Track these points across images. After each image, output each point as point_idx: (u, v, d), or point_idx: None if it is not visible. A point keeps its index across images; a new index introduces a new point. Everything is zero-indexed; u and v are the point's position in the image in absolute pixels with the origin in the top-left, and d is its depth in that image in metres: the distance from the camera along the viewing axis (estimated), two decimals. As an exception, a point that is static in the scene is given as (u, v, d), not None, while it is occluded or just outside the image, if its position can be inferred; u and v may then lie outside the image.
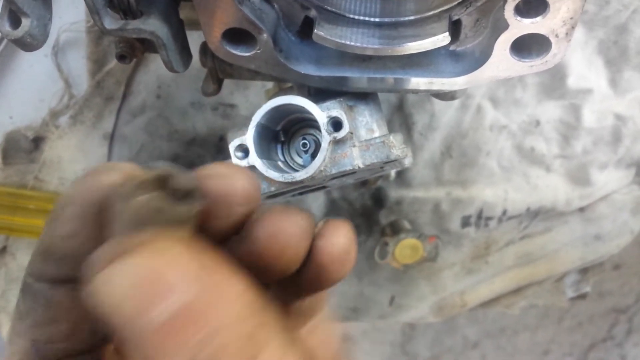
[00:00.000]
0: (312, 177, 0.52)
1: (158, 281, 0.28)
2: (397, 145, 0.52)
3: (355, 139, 0.53)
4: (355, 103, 0.54)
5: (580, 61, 0.90)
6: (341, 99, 0.53)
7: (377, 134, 0.54)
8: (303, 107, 0.51)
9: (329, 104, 0.53)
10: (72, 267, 0.35)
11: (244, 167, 0.48)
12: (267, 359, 0.29)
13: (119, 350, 0.37)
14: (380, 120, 0.55)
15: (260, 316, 0.30)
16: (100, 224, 0.34)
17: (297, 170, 0.53)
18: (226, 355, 0.28)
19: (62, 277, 0.36)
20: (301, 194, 0.62)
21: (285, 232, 0.36)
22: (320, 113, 0.51)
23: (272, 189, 0.53)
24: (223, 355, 0.28)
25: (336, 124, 0.51)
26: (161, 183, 0.32)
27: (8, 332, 0.38)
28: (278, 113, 0.54)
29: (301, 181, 0.52)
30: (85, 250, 0.33)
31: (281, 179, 0.52)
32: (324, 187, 0.62)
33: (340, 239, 0.41)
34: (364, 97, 0.55)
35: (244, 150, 0.53)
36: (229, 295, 0.30)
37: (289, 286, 0.39)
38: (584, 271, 1.16)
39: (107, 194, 0.34)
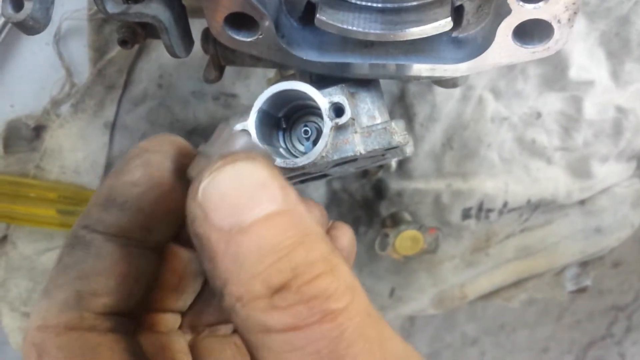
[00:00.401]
0: (313, 163, 0.52)
1: (263, 187, 0.33)
2: (398, 132, 0.52)
3: (357, 125, 0.53)
4: (357, 90, 0.54)
5: (582, 53, 0.90)
6: (343, 85, 0.53)
7: (378, 121, 0.54)
8: (305, 93, 0.51)
9: (330, 90, 0.53)
10: (131, 217, 0.37)
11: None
12: (343, 272, 0.33)
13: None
14: (382, 107, 0.55)
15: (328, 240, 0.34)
16: (164, 175, 0.38)
17: (298, 157, 0.53)
18: (315, 259, 0.32)
19: (120, 226, 0.37)
20: (302, 182, 0.63)
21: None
22: (322, 99, 0.51)
23: None
24: (312, 256, 0.32)
25: (338, 110, 0.51)
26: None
27: (45, 286, 0.37)
28: (280, 99, 0.54)
29: (302, 167, 0.52)
30: (149, 199, 0.38)
31: (283, 164, 0.52)
32: (325, 176, 0.63)
33: (345, 242, 0.46)
34: (366, 83, 0.55)
35: None
36: (314, 214, 0.36)
37: None
38: (584, 264, 1.16)
39: (180, 148, 0.39)
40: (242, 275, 0.32)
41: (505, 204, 1.02)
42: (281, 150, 0.57)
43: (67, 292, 0.36)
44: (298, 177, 0.58)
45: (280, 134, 0.58)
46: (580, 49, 0.89)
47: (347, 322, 0.32)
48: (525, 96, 0.93)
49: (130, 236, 0.38)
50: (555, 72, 0.91)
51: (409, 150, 0.60)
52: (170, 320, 0.44)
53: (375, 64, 0.52)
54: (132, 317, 0.39)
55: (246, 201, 0.33)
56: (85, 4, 0.78)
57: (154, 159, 0.39)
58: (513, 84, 0.92)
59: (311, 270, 0.32)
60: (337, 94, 0.52)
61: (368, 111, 0.55)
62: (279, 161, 0.52)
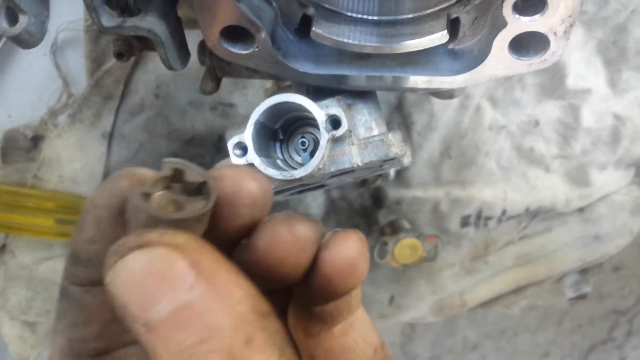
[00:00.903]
0: (310, 175, 0.52)
1: (164, 276, 0.30)
2: (396, 144, 0.52)
3: (354, 137, 0.53)
4: (353, 101, 0.54)
5: (579, 61, 0.90)
6: (339, 97, 0.53)
7: (375, 132, 0.54)
8: (301, 105, 0.51)
9: (327, 102, 0.53)
10: (98, 270, 0.35)
11: (254, 170, 0.46)
12: None
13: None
14: (379, 118, 0.55)
15: (258, 323, 0.31)
16: (121, 227, 0.35)
17: (295, 169, 0.53)
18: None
19: (90, 280, 0.37)
20: (300, 192, 0.62)
21: (283, 242, 0.36)
22: (318, 111, 0.51)
23: (271, 186, 0.53)
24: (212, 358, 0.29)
25: (335, 122, 0.51)
26: (174, 179, 0.33)
27: (49, 330, 0.39)
28: (277, 111, 0.53)
29: (300, 179, 0.52)
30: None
31: (280, 177, 0.52)
32: (322, 186, 0.62)
33: (345, 251, 0.40)
34: (363, 95, 0.55)
35: (242, 147, 0.53)
36: (230, 299, 0.30)
37: (304, 291, 0.40)
38: (584, 272, 1.16)
39: (125, 197, 0.35)
40: None
41: (504, 212, 1.02)
42: (278, 161, 0.56)
43: (62, 339, 0.38)
44: (295, 189, 0.58)
45: (278, 145, 0.58)
46: (578, 57, 0.89)
47: None
48: (523, 105, 0.93)
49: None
50: (552, 81, 0.91)
51: (406, 160, 0.60)
52: None
53: (371, 76, 0.52)
54: (126, 349, 0.39)
55: (153, 293, 0.30)
56: (82, 15, 0.78)
57: (102, 215, 0.37)
58: (510, 92, 0.92)
59: None
60: (333, 106, 0.52)
61: (365, 122, 0.55)
62: (276, 173, 0.52)
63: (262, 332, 0.31)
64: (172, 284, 0.30)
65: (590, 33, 0.87)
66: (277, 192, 0.56)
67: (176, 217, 0.32)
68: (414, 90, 0.53)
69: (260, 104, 0.53)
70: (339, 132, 0.51)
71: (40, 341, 1.05)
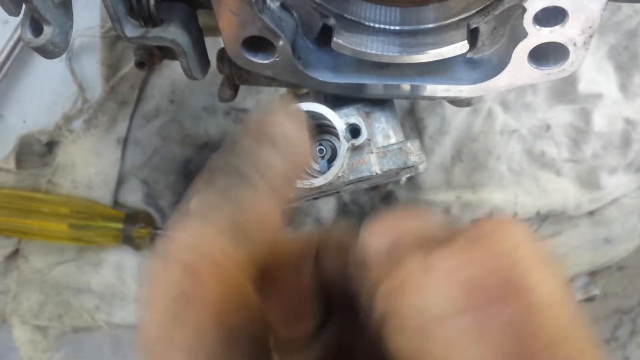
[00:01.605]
0: (329, 183, 0.52)
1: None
2: (414, 152, 0.53)
3: (373, 145, 0.53)
4: (372, 109, 0.55)
5: (591, 66, 0.90)
6: (359, 106, 0.53)
7: (393, 140, 0.55)
8: (322, 114, 0.52)
9: (346, 110, 0.53)
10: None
11: None
12: None
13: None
14: (397, 126, 0.56)
15: None
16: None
17: (314, 176, 0.54)
18: None
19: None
20: (316, 198, 0.63)
21: None
22: (338, 120, 0.51)
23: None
24: None
25: (354, 131, 0.52)
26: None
27: (194, 207, 0.34)
28: None
29: (319, 187, 0.53)
30: None
31: (300, 185, 0.52)
32: (337, 192, 0.63)
33: None
34: (381, 103, 0.55)
35: None
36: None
37: None
38: (593, 274, 1.16)
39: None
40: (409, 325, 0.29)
41: (514, 216, 1.02)
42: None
43: (223, 218, 0.33)
44: (313, 196, 0.58)
45: None
46: (590, 62, 0.89)
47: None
48: (534, 109, 0.93)
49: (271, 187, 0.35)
50: (564, 85, 0.91)
51: (422, 167, 0.61)
52: None
53: (390, 85, 0.53)
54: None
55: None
56: (98, 22, 0.79)
57: (300, 114, 0.36)
58: (522, 96, 0.92)
59: None
60: (353, 115, 0.52)
61: (383, 130, 0.55)
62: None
63: None
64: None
65: (602, 38, 0.87)
66: (294, 199, 0.56)
67: None
68: (432, 98, 0.54)
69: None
70: (358, 141, 0.51)
71: (51, 345, 1.05)
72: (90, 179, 0.89)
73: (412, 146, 0.53)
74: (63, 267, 0.98)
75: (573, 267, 1.10)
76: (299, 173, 0.37)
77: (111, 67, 0.81)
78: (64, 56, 0.82)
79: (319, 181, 0.52)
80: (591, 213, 1.06)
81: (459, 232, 0.29)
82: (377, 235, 0.33)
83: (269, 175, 0.34)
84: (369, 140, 0.52)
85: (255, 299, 0.33)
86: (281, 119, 0.36)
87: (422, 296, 0.27)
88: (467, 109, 0.92)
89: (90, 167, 0.88)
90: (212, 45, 0.60)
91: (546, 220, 1.04)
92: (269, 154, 0.35)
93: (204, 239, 0.32)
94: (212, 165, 0.35)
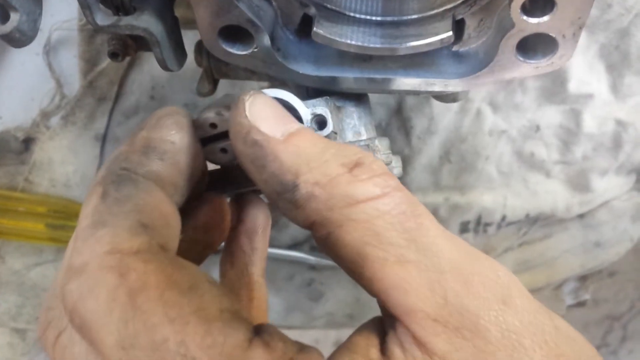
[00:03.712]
0: None
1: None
2: (381, 150, 0.51)
3: (340, 139, 0.52)
4: (344, 104, 0.53)
5: (582, 66, 0.89)
6: (328, 98, 0.51)
7: (364, 138, 0.53)
8: (288, 102, 0.50)
9: (314, 101, 0.51)
10: (167, 169, 0.42)
11: None
12: None
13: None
14: (369, 124, 0.54)
15: None
16: (192, 137, 0.44)
17: None
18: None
19: (156, 175, 0.41)
20: None
21: None
22: (304, 109, 0.49)
23: (249, 182, 0.52)
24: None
25: (320, 123, 0.50)
26: None
27: (88, 220, 0.38)
28: None
29: None
30: (182, 157, 0.43)
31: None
32: None
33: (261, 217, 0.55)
34: (354, 98, 0.53)
35: None
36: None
37: None
38: (583, 279, 1.15)
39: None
40: (313, 164, 0.38)
41: (503, 218, 1.01)
42: None
43: (128, 221, 0.37)
44: None
45: None
46: (580, 61, 0.88)
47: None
48: (524, 109, 0.92)
49: (163, 187, 0.41)
50: (554, 85, 0.90)
51: (396, 172, 0.59)
52: None
53: (373, 78, 0.51)
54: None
55: (282, 118, 0.42)
56: (76, 15, 0.77)
57: (183, 122, 0.44)
58: (511, 96, 0.91)
59: (368, 156, 0.39)
60: (320, 106, 0.50)
61: (354, 127, 0.53)
62: None
63: None
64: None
65: (593, 37, 0.86)
66: (256, 190, 0.54)
67: None
68: (416, 93, 0.52)
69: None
70: (324, 133, 0.49)
71: (30, 348, 1.03)
72: (68, 178, 0.87)
73: (380, 144, 0.52)
74: (41, 269, 0.96)
75: (563, 271, 1.09)
76: (190, 176, 0.43)
77: (89, 62, 0.79)
78: (41, 50, 0.80)
79: None
80: (581, 216, 1.05)
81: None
82: (266, 122, 0.41)
83: (161, 182, 0.41)
84: (335, 133, 0.50)
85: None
86: (165, 134, 0.42)
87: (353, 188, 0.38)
88: (455, 109, 0.91)
89: (68, 165, 0.86)
90: (193, 41, 0.58)
91: (536, 222, 1.03)
92: (157, 166, 0.41)
93: (118, 241, 0.35)
94: (101, 179, 0.40)
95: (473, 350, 0.35)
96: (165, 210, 0.40)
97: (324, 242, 0.39)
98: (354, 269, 0.38)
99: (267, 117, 0.40)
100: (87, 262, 0.35)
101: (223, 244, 0.55)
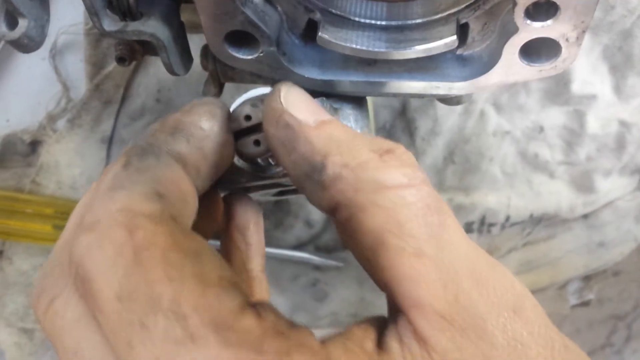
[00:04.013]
0: (283, 173, 0.51)
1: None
2: None
3: None
4: (341, 106, 0.53)
5: (585, 67, 0.89)
6: (324, 99, 0.51)
7: None
8: None
9: None
10: (192, 152, 0.43)
11: None
12: None
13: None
14: (366, 127, 0.54)
15: None
16: (224, 128, 0.46)
17: (271, 164, 0.53)
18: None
19: (180, 156, 0.42)
20: (282, 193, 0.62)
21: None
22: None
23: (243, 179, 0.53)
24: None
25: None
26: None
27: (106, 183, 0.38)
28: None
29: (271, 176, 0.52)
30: (209, 145, 0.44)
31: (250, 170, 0.51)
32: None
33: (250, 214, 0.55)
34: (352, 101, 0.53)
35: None
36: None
37: None
38: (587, 278, 1.15)
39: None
40: (343, 147, 0.39)
41: (507, 218, 1.01)
42: (259, 159, 0.56)
43: (145, 188, 0.37)
44: (272, 187, 0.57)
45: None
46: (583, 63, 0.88)
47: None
48: (527, 110, 0.92)
49: (185, 167, 0.42)
50: (557, 86, 0.90)
51: None
52: None
53: (378, 82, 0.51)
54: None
55: (316, 108, 0.43)
56: (82, 19, 0.77)
57: (217, 112, 0.45)
58: (515, 98, 0.91)
59: (399, 147, 0.40)
60: None
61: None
62: (246, 166, 0.52)
63: None
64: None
65: (596, 38, 0.86)
66: (249, 188, 0.55)
67: None
68: (421, 96, 0.53)
69: (242, 96, 0.53)
70: None
71: (38, 348, 1.03)
72: (75, 180, 0.88)
73: None
74: (48, 270, 0.96)
75: (567, 271, 1.09)
76: (215, 164, 0.45)
77: (96, 65, 0.80)
78: (47, 54, 0.81)
79: (272, 170, 0.52)
80: (585, 216, 1.05)
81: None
82: (300, 110, 0.42)
83: (183, 162, 0.42)
84: None
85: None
86: (196, 119, 0.44)
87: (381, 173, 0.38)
88: (459, 111, 0.91)
89: (74, 167, 0.86)
90: (199, 44, 0.59)
91: (540, 223, 1.03)
92: (182, 147, 0.42)
93: (132, 202, 0.36)
94: (126, 151, 0.41)
95: (475, 352, 0.35)
96: (183, 187, 0.40)
97: (344, 226, 0.39)
98: (370, 256, 0.38)
99: (300, 105, 0.42)
100: (100, 219, 0.35)
101: (220, 245, 0.55)
